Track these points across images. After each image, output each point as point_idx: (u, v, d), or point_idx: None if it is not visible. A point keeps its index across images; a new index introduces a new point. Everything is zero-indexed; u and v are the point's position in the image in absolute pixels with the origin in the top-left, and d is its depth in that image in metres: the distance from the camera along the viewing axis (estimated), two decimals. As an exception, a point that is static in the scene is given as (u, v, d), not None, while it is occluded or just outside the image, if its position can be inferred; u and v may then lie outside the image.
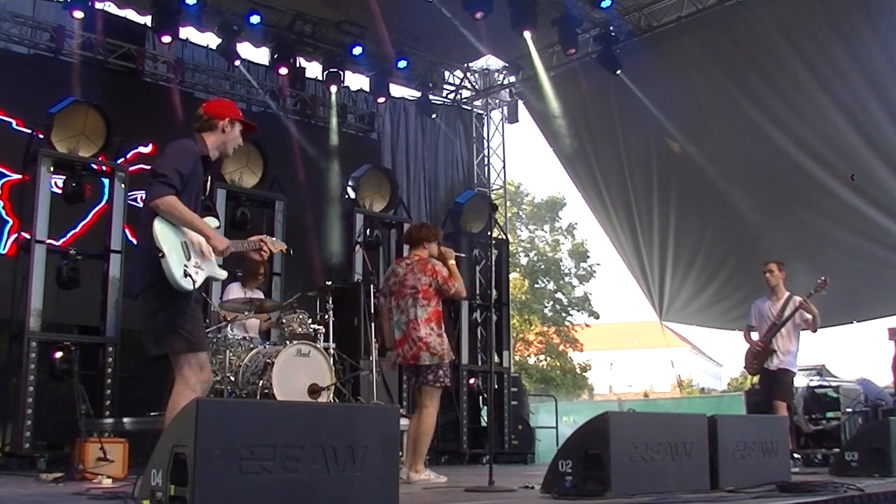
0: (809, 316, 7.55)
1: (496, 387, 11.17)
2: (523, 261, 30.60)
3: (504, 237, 12.95)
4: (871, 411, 9.21)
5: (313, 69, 12.18)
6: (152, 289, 4.10)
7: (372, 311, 8.15)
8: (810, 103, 10.55)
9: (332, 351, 7.61)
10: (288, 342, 7.13)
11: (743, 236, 11.83)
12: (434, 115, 13.44)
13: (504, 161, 14.56)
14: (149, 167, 5.67)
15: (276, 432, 3.00)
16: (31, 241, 8.01)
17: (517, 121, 14.31)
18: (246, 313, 7.58)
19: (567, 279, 31.01)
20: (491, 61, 13.84)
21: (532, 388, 25.40)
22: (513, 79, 13.80)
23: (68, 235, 8.97)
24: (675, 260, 12.74)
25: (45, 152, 8.14)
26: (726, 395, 26.04)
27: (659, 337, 16.40)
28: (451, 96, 14.14)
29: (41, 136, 8.21)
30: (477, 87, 14.13)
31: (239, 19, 10.85)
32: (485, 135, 14.54)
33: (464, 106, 14.32)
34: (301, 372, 6.96)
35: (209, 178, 4.41)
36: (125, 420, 7.81)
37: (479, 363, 11.34)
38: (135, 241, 7.20)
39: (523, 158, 74.25)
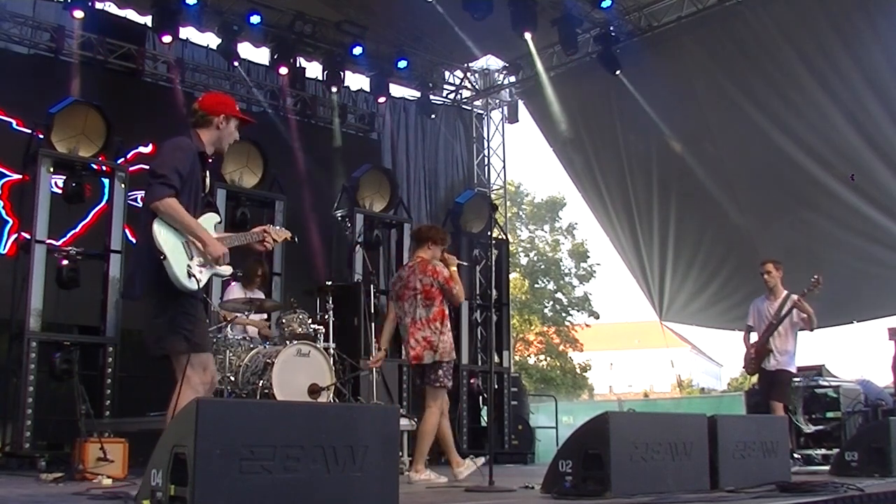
0: (805, 315, 7.55)
1: (496, 387, 11.17)
2: (523, 261, 30.60)
3: (504, 237, 12.94)
4: (871, 411, 9.20)
5: (313, 69, 12.20)
6: (154, 290, 4.08)
7: (372, 311, 8.16)
8: (810, 103, 10.55)
9: (332, 351, 7.61)
10: (288, 342, 7.12)
11: (743, 236, 11.83)
12: (434, 115, 13.45)
13: (504, 161, 14.57)
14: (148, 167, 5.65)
15: (276, 432, 3.00)
16: (31, 241, 8.00)
17: (517, 121, 14.32)
18: (246, 314, 7.58)
19: (567, 279, 31.01)
20: (491, 61, 13.85)
21: (532, 388, 25.41)
22: (513, 79, 13.80)
23: (68, 235, 8.97)
24: (675, 260, 12.74)
25: (45, 152, 8.13)
26: (726, 395, 26.04)
27: (659, 337, 16.40)
28: (451, 96, 14.14)
29: (41, 136, 8.21)
30: (477, 87, 14.13)
31: (239, 19, 10.86)
32: (485, 135, 14.54)
33: (464, 106, 14.32)
34: (301, 372, 6.96)
35: (207, 173, 4.35)
36: (125, 420, 7.80)
37: (479, 363, 11.34)
38: (135, 241, 7.19)
39: (523, 158, 74.30)
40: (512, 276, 21.54)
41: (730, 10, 10.75)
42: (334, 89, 12.07)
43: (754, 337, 7.77)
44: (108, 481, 5.81)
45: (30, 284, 7.91)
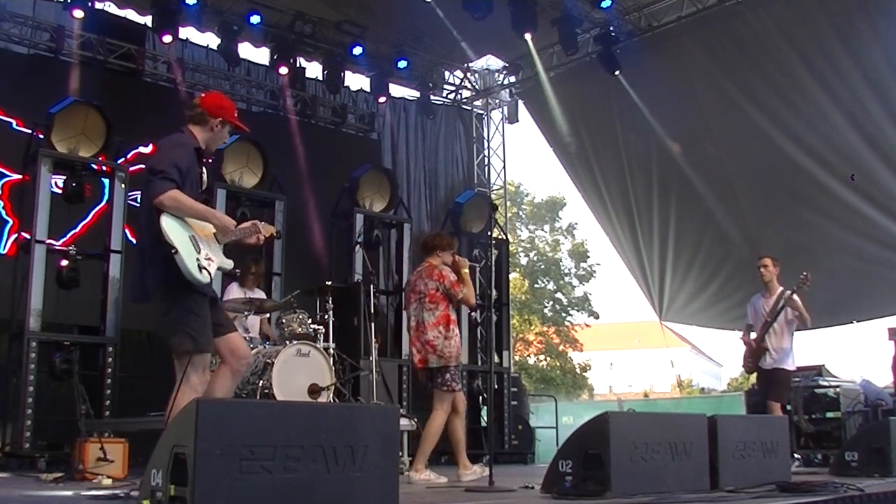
0: (797, 312, 7.53)
1: (496, 387, 11.18)
2: (523, 261, 30.60)
3: (504, 237, 12.94)
4: (871, 411, 9.19)
5: (313, 69, 12.19)
6: (163, 288, 4.08)
7: (372, 311, 8.16)
8: (810, 103, 10.55)
9: (331, 351, 7.61)
10: (288, 342, 7.12)
11: (743, 236, 11.83)
12: (434, 116, 13.44)
13: (504, 161, 14.57)
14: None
15: (276, 432, 3.00)
16: (31, 241, 8.01)
17: (517, 121, 14.32)
18: (246, 314, 7.58)
19: (567, 279, 31.02)
20: (491, 61, 13.85)
21: (532, 388, 25.41)
22: (513, 79, 13.81)
23: (68, 235, 8.97)
24: (675, 260, 12.73)
25: (45, 152, 8.14)
26: (726, 395, 26.05)
27: (659, 337, 16.39)
28: (451, 96, 14.14)
29: (41, 136, 8.22)
30: (477, 87, 14.13)
31: (239, 19, 10.86)
32: (485, 135, 14.53)
33: (464, 106, 14.32)
34: (301, 372, 6.96)
35: (204, 170, 4.36)
36: (125, 420, 7.80)
37: (479, 363, 11.34)
38: (136, 243, 7.19)
39: (523, 158, 74.28)
40: (512, 276, 21.54)
41: (730, 10, 10.75)
42: (334, 89, 12.08)
43: (753, 335, 7.76)
44: (108, 481, 5.81)
45: (30, 284, 7.91)
